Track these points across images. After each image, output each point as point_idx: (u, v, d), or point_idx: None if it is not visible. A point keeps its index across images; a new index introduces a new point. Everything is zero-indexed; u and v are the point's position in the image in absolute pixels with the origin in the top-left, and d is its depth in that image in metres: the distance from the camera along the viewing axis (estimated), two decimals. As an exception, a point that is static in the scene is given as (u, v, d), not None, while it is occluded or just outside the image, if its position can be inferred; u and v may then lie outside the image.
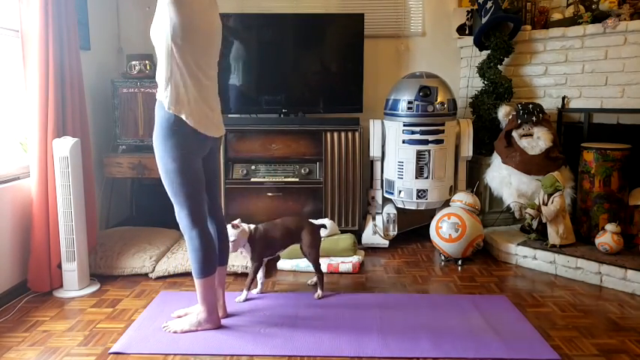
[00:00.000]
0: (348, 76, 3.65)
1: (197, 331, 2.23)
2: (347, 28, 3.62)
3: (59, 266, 2.69)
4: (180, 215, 2.15)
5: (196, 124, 2.05)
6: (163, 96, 2.04)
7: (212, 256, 2.18)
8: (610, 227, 2.88)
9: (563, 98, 3.47)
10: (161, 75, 2.05)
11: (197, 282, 2.19)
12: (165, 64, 2.02)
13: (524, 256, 3.09)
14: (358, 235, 3.45)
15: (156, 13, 2.03)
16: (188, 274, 2.83)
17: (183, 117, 2.02)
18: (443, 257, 3.19)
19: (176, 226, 2.28)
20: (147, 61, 3.42)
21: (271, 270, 2.99)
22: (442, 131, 3.28)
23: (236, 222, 2.52)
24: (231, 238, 2.45)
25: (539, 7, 3.63)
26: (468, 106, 3.80)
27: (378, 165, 3.55)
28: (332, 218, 3.46)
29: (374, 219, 3.53)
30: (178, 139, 2.04)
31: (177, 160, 2.06)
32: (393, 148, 3.37)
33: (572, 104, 3.45)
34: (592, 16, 3.29)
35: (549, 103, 3.52)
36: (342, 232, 3.33)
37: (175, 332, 2.22)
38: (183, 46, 2.00)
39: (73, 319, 2.39)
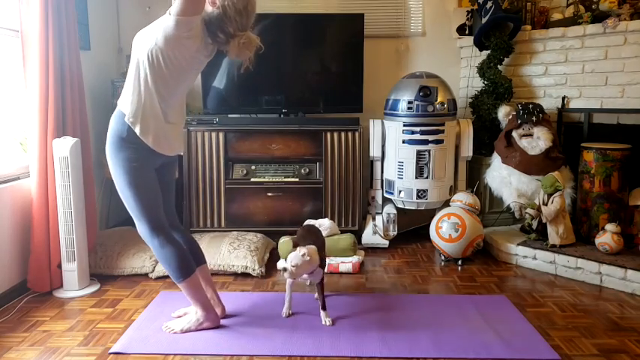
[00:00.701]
0: (348, 76, 3.65)
1: (197, 330, 2.23)
2: (347, 28, 3.62)
3: (59, 266, 2.69)
4: (140, 227, 2.13)
5: (151, 142, 2.03)
6: (127, 104, 2.02)
7: (185, 257, 2.16)
8: (610, 227, 2.88)
9: (563, 98, 3.47)
10: (129, 83, 2.03)
11: (181, 286, 2.18)
12: (135, 75, 2.01)
13: (524, 256, 3.08)
14: (358, 235, 3.45)
15: (154, 22, 2.00)
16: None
17: (137, 131, 2.00)
18: (443, 257, 3.19)
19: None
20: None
21: (271, 270, 2.99)
22: (442, 131, 3.28)
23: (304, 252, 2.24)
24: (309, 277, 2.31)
25: (539, 7, 3.63)
26: (468, 106, 3.80)
27: (378, 165, 3.54)
28: (332, 218, 3.46)
29: (374, 219, 3.53)
30: (130, 152, 2.03)
31: (129, 173, 2.05)
32: (393, 148, 3.37)
33: (572, 104, 3.45)
34: (592, 16, 3.29)
35: (549, 103, 3.52)
36: (342, 232, 3.32)
37: (175, 332, 2.22)
38: (156, 70, 1.98)
39: (73, 319, 2.39)
